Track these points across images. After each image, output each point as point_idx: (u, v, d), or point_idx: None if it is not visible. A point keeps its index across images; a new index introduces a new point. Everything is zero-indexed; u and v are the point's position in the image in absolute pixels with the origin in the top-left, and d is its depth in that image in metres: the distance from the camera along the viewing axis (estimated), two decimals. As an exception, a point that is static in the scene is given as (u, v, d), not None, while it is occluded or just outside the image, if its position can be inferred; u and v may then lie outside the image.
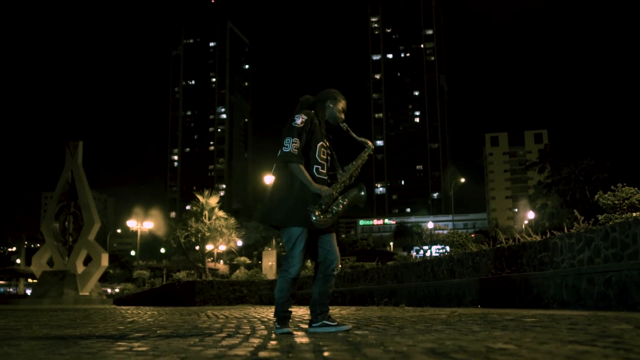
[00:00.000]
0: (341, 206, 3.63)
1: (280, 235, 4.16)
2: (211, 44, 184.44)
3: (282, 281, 3.66)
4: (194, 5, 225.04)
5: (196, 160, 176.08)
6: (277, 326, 3.60)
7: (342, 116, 3.97)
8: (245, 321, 5.31)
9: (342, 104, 3.96)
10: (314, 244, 3.74)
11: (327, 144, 3.84)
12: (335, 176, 3.88)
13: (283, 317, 3.64)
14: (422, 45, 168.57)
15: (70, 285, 20.96)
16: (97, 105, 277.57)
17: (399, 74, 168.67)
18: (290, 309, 3.70)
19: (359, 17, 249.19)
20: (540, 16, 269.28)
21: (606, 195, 8.82)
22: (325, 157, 3.78)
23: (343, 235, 76.36)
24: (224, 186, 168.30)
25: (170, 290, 23.98)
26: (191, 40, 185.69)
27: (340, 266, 3.99)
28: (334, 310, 7.19)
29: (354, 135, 3.96)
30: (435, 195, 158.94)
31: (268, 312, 7.90)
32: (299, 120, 3.67)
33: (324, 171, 3.75)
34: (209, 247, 33.77)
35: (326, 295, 3.73)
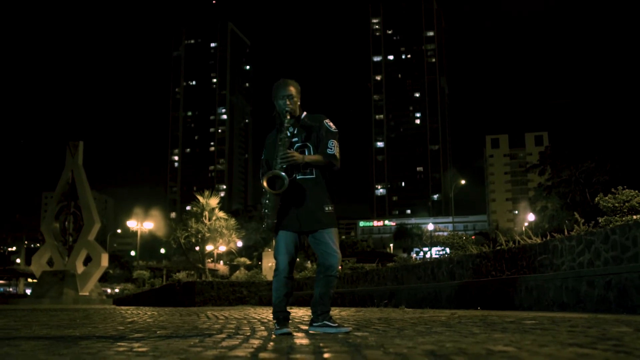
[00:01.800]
0: (269, 207, 3.67)
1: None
2: (212, 45, 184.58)
3: (275, 281, 3.78)
4: (195, 6, 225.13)
5: (196, 161, 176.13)
6: (277, 327, 3.59)
7: (286, 102, 3.64)
8: (245, 322, 5.31)
9: (283, 92, 3.66)
10: (314, 245, 3.73)
11: (293, 140, 3.68)
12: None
13: (282, 317, 3.64)
14: (423, 47, 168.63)
15: (70, 285, 20.94)
16: (97, 106, 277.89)
17: (399, 76, 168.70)
18: (288, 310, 3.70)
19: (360, 19, 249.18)
20: (541, 19, 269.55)
21: (606, 198, 8.81)
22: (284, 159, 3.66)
23: (343, 237, 76.24)
24: (224, 187, 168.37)
25: (170, 290, 23.99)
26: (192, 41, 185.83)
27: (340, 267, 3.93)
28: (334, 312, 7.18)
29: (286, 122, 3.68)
30: (435, 196, 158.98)
31: (268, 313, 7.90)
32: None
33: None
34: (209, 247, 33.77)
35: (327, 296, 3.71)
